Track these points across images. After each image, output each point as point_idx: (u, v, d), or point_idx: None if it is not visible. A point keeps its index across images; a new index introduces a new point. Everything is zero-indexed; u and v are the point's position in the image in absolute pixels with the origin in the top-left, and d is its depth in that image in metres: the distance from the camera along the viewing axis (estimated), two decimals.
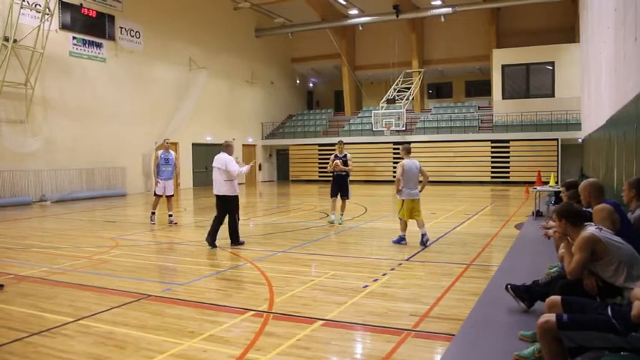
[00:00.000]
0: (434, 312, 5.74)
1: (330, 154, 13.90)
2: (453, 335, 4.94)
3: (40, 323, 5.70)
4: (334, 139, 33.09)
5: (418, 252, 9.35)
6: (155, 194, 14.26)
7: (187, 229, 14.06)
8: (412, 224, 10.29)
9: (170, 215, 14.31)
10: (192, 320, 5.62)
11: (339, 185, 13.19)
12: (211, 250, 9.93)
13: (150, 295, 6.65)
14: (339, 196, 13.19)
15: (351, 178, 13.38)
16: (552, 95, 29.36)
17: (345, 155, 13.14)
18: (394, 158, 32.42)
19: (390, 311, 5.78)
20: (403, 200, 10.24)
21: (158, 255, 9.76)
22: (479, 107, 34.08)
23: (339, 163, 13.06)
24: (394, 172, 31.86)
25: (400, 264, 8.32)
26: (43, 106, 21.80)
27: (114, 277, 7.87)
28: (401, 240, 10.20)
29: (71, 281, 7.56)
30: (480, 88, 37.63)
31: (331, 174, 13.53)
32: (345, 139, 32.93)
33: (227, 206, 10.28)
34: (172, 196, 14.38)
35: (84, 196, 22.56)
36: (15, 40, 20.00)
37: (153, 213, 14.24)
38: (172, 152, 14.46)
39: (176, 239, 11.63)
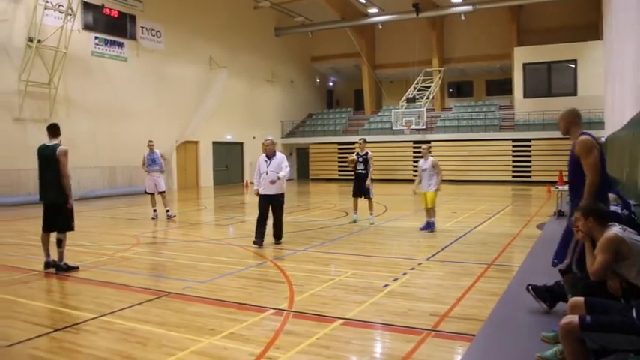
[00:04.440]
0: (454, 312, 5.71)
1: (350, 153, 13.88)
2: (474, 335, 4.91)
3: (64, 319, 5.79)
4: (354, 138, 33.09)
5: (438, 251, 9.31)
6: (146, 192, 15.28)
7: (208, 227, 14.17)
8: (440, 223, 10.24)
9: (167, 211, 14.74)
10: (212, 318, 5.65)
11: (360, 184, 13.18)
12: (232, 248, 10.00)
13: (171, 293, 6.71)
14: (362, 197, 13.19)
15: (372, 177, 13.29)
16: (574, 94, 28.97)
17: (367, 154, 13.10)
18: (414, 157, 32.30)
19: (410, 311, 5.77)
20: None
21: (179, 253, 9.83)
22: (500, 106, 33.81)
23: (354, 157, 13.15)
24: (415, 170, 31.82)
25: (420, 263, 8.29)
26: (66, 105, 22.10)
27: (135, 274, 7.96)
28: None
29: (94, 278, 7.66)
30: (500, 86, 37.29)
31: (353, 174, 13.54)
32: (365, 138, 32.94)
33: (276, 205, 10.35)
34: (164, 192, 15.02)
35: (105, 194, 22.82)
36: (39, 41, 20.32)
37: (154, 210, 14.79)
38: (157, 151, 15.23)
39: (197, 237, 11.71)
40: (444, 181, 12.11)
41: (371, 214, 13.23)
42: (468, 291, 6.57)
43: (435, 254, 9.06)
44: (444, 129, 32.21)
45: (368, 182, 12.94)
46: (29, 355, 4.73)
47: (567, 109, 5.23)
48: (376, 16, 33.89)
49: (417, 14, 31.39)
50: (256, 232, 9.96)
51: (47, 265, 8.25)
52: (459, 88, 40.61)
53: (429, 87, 33.40)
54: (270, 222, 10.25)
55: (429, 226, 11.74)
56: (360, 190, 13.13)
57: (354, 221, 13.12)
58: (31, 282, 7.60)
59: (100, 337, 5.14)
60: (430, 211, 11.79)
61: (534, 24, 33.25)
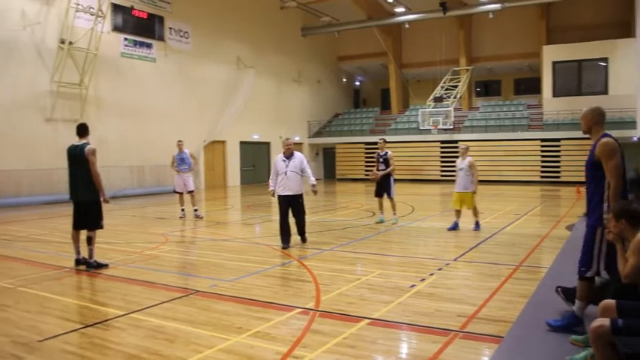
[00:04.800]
0: (482, 313, 5.66)
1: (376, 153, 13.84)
2: (502, 337, 4.87)
3: (94, 315, 5.90)
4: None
5: (466, 252, 9.24)
6: (175, 191, 15.32)
7: (235, 226, 14.27)
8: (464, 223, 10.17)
9: (195, 210, 14.87)
10: (239, 316, 5.69)
11: (382, 184, 13.17)
12: (259, 247, 10.06)
13: (198, 291, 6.77)
14: (384, 196, 13.18)
15: (397, 177, 13.31)
16: (606, 92, 28.50)
17: (386, 153, 13.09)
18: (441, 157, 32.10)
19: (437, 311, 5.74)
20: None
21: (206, 251, 9.91)
22: (528, 105, 33.40)
23: (376, 172, 13.17)
24: (442, 170, 31.65)
25: (447, 264, 8.24)
26: (96, 105, 22.44)
27: (164, 272, 8.06)
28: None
29: (123, 276, 7.77)
30: (529, 85, 36.82)
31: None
32: (392, 138, 32.84)
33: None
34: (193, 191, 15.07)
35: (134, 193, 23.13)
36: (70, 43, 20.69)
37: (182, 209, 14.92)
38: (186, 151, 15.25)
39: (224, 236, 11.79)
40: (479, 181, 12.05)
41: (394, 213, 13.21)
42: (496, 292, 6.51)
43: (462, 255, 9.00)
44: (471, 129, 31.94)
45: (380, 173, 13.02)
46: (61, 350, 4.82)
47: (591, 108, 5.12)
48: (403, 15, 33.70)
49: (445, 13, 31.15)
50: (282, 237, 9.89)
51: (78, 262, 8.41)
52: (486, 88, 40.24)
53: (456, 86, 33.13)
54: (292, 221, 10.12)
55: (456, 226, 11.78)
56: (382, 189, 13.15)
57: (381, 221, 13.11)
58: (63, 279, 7.75)
59: (129, 334, 5.21)
60: (459, 213, 11.93)
61: (564, 21, 32.75)
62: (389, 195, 13.09)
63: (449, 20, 33.76)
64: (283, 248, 9.65)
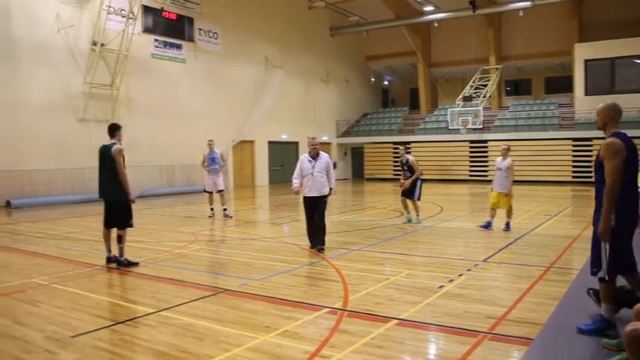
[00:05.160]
0: (511, 315, 5.60)
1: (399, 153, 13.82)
2: (531, 340, 4.81)
3: (125, 313, 5.99)
4: (409, 138, 32.95)
5: (495, 253, 9.15)
6: (205, 191, 15.41)
7: (263, 225, 14.33)
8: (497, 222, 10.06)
9: (225, 209, 14.95)
10: (267, 315, 5.72)
11: (408, 188, 13.16)
12: (287, 246, 10.10)
13: (227, 290, 6.83)
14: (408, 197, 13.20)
15: (426, 177, 13.27)
16: None
17: (408, 160, 13.12)
18: (470, 157, 31.82)
19: (465, 312, 5.69)
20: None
21: (234, 250, 9.99)
22: (559, 104, 32.86)
23: (402, 182, 13.23)
24: (471, 170, 31.37)
25: (476, 265, 8.16)
26: (127, 105, 22.79)
27: (193, 270, 8.13)
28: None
29: (153, 274, 7.87)
30: (560, 84, 36.22)
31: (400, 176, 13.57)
32: (421, 138, 32.71)
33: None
34: (223, 190, 15.17)
35: (164, 192, 23.41)
36: (102, 44, 21.04)
37: (212, 209, 15.01)
38: (217, 151, 15.30)
39: (252, 235, 11.86)
40: (514, 182, 11.96)
41: (417, 215, 13.19)
42: (526, 294, 6.43)
43: (491, 256, 8.91)
44: (501, 128, 31.56)
45: (407, 182, 13.04)
46: (92, 346, 4.90)
47: (607, 103, 5.04)
48: (432, 14, 33.45)
49: (474, 11, 30.88)
50: (310, 240, 9.75)
51: (109, 260, 8.55)
52: (516, 86, 39.73)
53: (485, 85, 32.81)
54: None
55: (489, 225, 11.77)
56: (407, 190, 13.16)
57: (409, 221, 13.07)
58: (94, 276, 7.88)
59: (159, 332, 5.28)
60: (494, 212, 11.87)
61: (597, 18, 32.11)
62: (412, 197, 13.09)
63: (478, 18, 33.43)
64: (311, 248, 9.60)
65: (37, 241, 11.32)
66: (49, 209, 18.19)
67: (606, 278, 4.82)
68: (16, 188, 19.09)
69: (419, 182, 13.12)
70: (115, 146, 8.39)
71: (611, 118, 4.98)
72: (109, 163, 8.37)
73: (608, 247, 4.76)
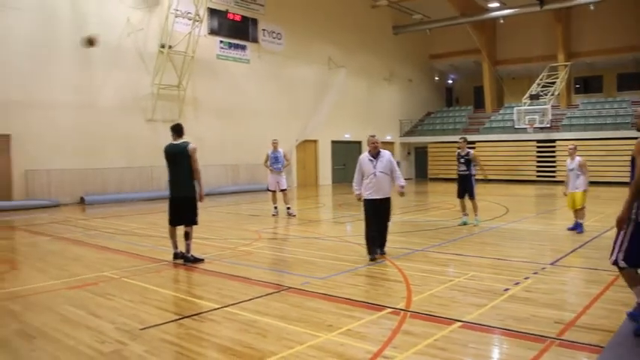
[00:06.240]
0: (581, 321, 5.41)
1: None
2: (602, 348, 4.63)
3: (191, 308, 6.15)
4: (474, 137, 32.28)
5: (564, 256, 8.87)
6: (268, 189, 15.55)
7: (326, 224, 14.40)
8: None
9: (288, 208, 15.04)
10: (330, 314, 5.74)
11: (463, 185, 12.92)
12: (350, 246, 10.11)
13: (290, 288, 6.89)
14: (466, 197, 12.90)
15: (492, 177, 12.98)
16: None
17: (468, 153, 12.83)
18: (538, 157, 30.96)
19: (532, 317, 5.53)
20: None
21: (298, 249, 10.08)
22: (632, 102, 31.46)
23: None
24: (538, 170, 30.51)
25: (544, 268, 7.93)
26: (194, 106, 23.38)
27: (257, 268, 8.26)
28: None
29: (218, 270, 8.04)
30: (634, 81, 34.70)
31: (456, 175, 13.28)
32: (486, 137, 32.05)
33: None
34: (286, 189, 15.24)
35: (229, 191, 23.87)
36: (170, 47, 21.64)
37: (275, 207, 15.17)
38: (281, 150, 15.34)
39: (315, 234, 11.93)
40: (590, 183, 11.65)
41: (476, 215, 12.89)
42: (597, 299, 6.21)
43: (559, 259, 8.64)
44: (569, 127, 30.54)
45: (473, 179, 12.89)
46: (160, 339, 5.06)
47: None
48: (497, 10, 32.68)
49: (541, 7, 29.99)
50: (369, 248, 8.82)
51: (175, 256, 8.78)
52: (586, 84, 38.25)
53: (553, 83, 31.84)
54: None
55: (578, 227, 11.45)
56: (463, 189, 12.90)
57: (464, 223, 12.74)
58: (162, 271, 8.12)
59: (224, 327, 5.38)
60: (578, 212, 11.55)
61: None
62: (471, 196, 12.81)
63: (546, 14, 32.41)
64: (371, 260, 8.60)
65: (108, 236, 11.77)
66: (119, 206, 18.89)
67: (619, 265, 4.91)
68: (89, 185, 19.97)
69: (474, 180, 12.88)
70: (191, 144, 8.58)
71: None
72: (184, 161, 8.53)
73: (624, 235, 4.87)
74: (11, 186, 18.20)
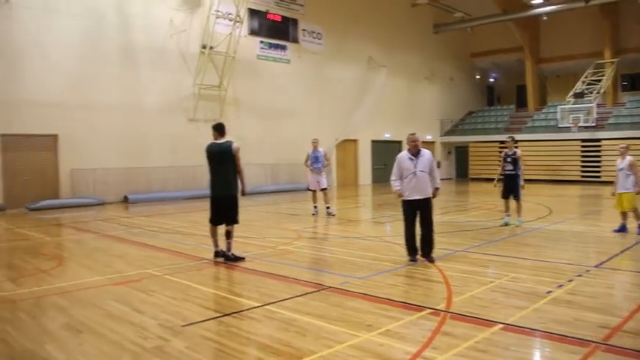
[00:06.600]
0: (627, 326, 5.27)
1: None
2: None
3: (231, 305, 6.23)
4: (517, 137, 31.66)
5: (609, 259, 8.65)
6: (308, 189, 15.56)
7: (366, 224, 14.38)
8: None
9: (328, 207, 15.03)
10: (369, 314, 5.74)
11: (510, 185, 12.69)
12: (389, 246, 10.08)
13: (330, 287, 6.91)
14: (511, 197, 12.69)
15: (534, 177, 12.74)
16: None
17: (515, 152, 12.60)
18: (582, 156, 30.25)
19: (576, 320, 5.42)
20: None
21: (337, 248, 10.08)
22: None
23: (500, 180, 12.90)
24: (583, 170, 29.81)
25: (588, 270, 7.76)
26: (235, 106, 23.64)
27: (296, 267, 8.31)
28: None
29: (258, 269, 8.12)
30: None
31: (501, 175, 13.06)
32: (528, 137, 31.46)
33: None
34: (326, 189, 15.20)
35: (269, 190, 24.04)
36: (211, 47, 21.92)
37: (315, 207, 15.24)
38: (321, 150, 15.28)
39: (355, 234, 11.93)
40: None
41: (519, 216, 12.69)
42: None
43: (605, 262, 8.43)
44: (615, 126, 29.74)
45: (522, 183, 12.64)
46: (201, 336, 5.14)
47: None
48: (540, 6, 32.00)
49: (587, 2, 29.26)
50: (409, 249, 8.59)
51: (216, 254, 8.89)
52: (634, 81, 37.10)
53: (599, 80, 31.08)
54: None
55: (624, 229, 11.19)
56: (510, 190, 12.67)
57: (506, 224, 12.54)
58: (203, 269, 8.24)
59: (263, 325, 5.43)
60: (625, 215, 11.28)
61: None
62: (516, 197, 12.60)
63: (592, 10, 31.59)
64: (411, 261, 8.46)
65: (151, 234, 12.00)
66: (162, 204, 19.24)
67: None
68: (133, 184, 20.42)
69: (520, 180, 12.67)
70: (235, 144, 8.65)
71: None
72: (227, 160, 8.60)
73: None
74: (58, 184, 18.77)
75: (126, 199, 19.98)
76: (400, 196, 8.61)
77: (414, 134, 8.63)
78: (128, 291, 6.89)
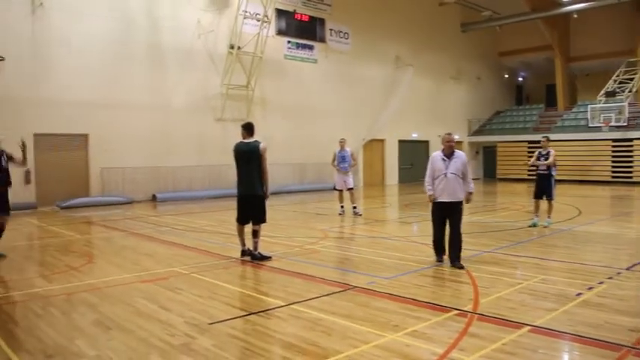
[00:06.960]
0: None
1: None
2: None
3: (258, 304, 6.26)
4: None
5: None
6: (334, 188, 15.56)
7: (392, 224, 14.34)
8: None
9: (354, 207, 14.99)
10: (395, 314, 5.72)
11: (542, 185, 12.50)
12: (416, 246, 10.03)
13: (356, 287, 6.90)
14: (543, 198, 12.50)
15: (565, 177, 12.55)
16: None
17: (549, 152, 12.39)
18: (613, 156, 29.72)
19: (606, 323, 5.33)
20: None
21: (364, 248, 10.06)
22: None
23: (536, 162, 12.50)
24: (613, 171, 29.29)
25: (619, 272, 7.62)
26: (262, 105, 23.75)
27: (323, 266, 8.32)
28: None
29: (284, 268, 8.14)
30: None
31: (535, 174, 12.87)
32: (558, 136, 30.96)
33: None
34: (353, 189, 15.22)
35: (296, 189, 24.10)
36: (239, 48, 22.06)
37: (342, 206, 15.22)
38: (348, 149, 15.28)
39: (382, 233, 11.89)
40: None
41: (549, 216, 12.47)
42: None
43: (637, 264, 8.25)
44: None
45: (544, 163, 12.39)
46: (227, 334, 5.18)
47: None
48: (570, 4, 31.46)
49: None
50: (436, 250, 8.46)
51: (243, 253, 8.94)
52: None
53: (631, 79, 30.49)
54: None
55: None
56: (542, 190, 12.48)
57: (534, 225, 12.37)
58: (229, 268, 8.30)
59: (289, 324, 5.45)
60: None
61: None
62: (549, 197, 12.41)
63: (623, 7, 30.93)
64: (438, 261, 8.38)
65: (180, 232, 12.11)
66: (189, 203, 19.42)
67: None
68: (161, 183, 20.67)
69: (554, 180, 12.48)
70: (263, 144, 8.69)
71: None
72: (255, 159, 8.62)
73: None
74: (88, 183, 19.07)
75: (154, 198, 20.22)
76: (432, 200, 8.42)
77: (450, 134, 8.38)
78: (156, 289, 6.97)
